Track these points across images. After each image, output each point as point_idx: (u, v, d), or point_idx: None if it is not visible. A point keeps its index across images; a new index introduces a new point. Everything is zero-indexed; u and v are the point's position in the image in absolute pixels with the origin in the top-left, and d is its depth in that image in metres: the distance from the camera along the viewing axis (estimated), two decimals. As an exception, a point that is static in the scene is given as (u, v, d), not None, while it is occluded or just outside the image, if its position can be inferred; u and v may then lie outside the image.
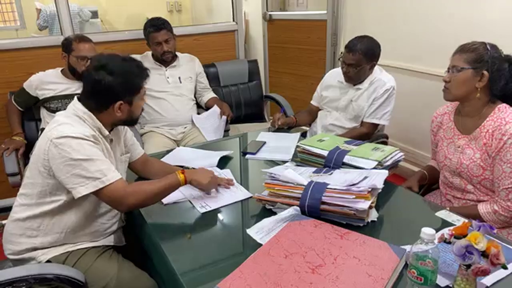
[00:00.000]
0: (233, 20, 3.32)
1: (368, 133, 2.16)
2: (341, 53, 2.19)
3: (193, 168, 1.65)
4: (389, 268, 1.01)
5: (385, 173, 1.39)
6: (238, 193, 1.51)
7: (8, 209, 1.46)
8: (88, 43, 2.27)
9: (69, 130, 1.28)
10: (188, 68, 2.73)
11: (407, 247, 1.05)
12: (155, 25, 2.57)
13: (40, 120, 2.37)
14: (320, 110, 2.35)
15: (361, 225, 1.24)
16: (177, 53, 2.69)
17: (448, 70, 1.52)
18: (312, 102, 2.40)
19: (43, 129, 2.31)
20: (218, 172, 1.66)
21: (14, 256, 1.39)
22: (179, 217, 1.41)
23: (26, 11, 4.56)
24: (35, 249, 1.37)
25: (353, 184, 1.27)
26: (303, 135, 2.13)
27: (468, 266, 0.90)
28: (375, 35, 2.15)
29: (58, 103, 2.29)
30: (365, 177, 1.32)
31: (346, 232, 1.16)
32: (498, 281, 1.00)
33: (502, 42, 1.51)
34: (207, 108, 2.73)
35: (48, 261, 1.36)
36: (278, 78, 3.90)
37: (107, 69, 1.32)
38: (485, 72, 1.44)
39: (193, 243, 1.27)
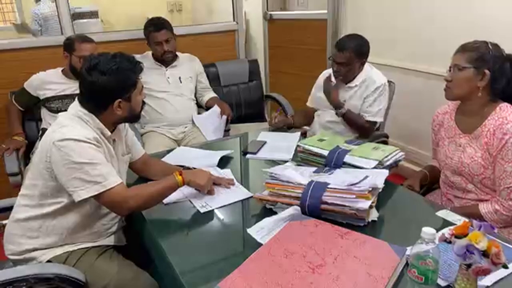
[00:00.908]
0: (234, 20, 3.32)
1: (368, 129, 2.16)
2: (329, 57, 2.19)
3: (194, 168, 1.65)
4: (389, 267, 1.01)
5: (385, 173, 1.40)
6: (238, 192, 1.51)
7: (9, 209, 1.46)
8: (90, 43, 2.27)
9: (72, 133, 1.28)
10: (188, 68, 2.73)
11: (408, 247, 1.05)
12: (156, 25, 2.57)
13: (40, 120, 2.37)
14: (316, 111, 2.35)
15: (362, 224, 1.24)
16: (177, 53, 2.69)
17: (450, 69, 1.52)
18: (308, 103, 2.40)
19: (43, 129, 2.31)
20: (219, 172, 1.66)
21: (14, 257, 1.39)
22: (180, 217, 1.41)
23: (26, 11, 4.56)
24: (35, 249, 1.38)
25: (354, 184, 1.26)
26: (304, 134, 2.13)
27: (469, 265, 0.90)
28: (375, 34, 2.16)
29: (58, 103, 2.29)
30: (366, 177, 1.32)
31: (346, 231, 1.16)
32: (498, 280, 1.00)
33: (504, 41, 1.50)
34: (208, 108, 2.73)
35: (49, 261, 1.36)
36: (278, 77, 3.90)
37: (99, 69, 1.32)
38: (487, 71, 1.44)
39: (193, 242, 1.27)
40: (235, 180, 1.58)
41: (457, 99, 1.57)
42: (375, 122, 2.20)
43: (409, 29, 2.83)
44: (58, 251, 1.38)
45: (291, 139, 1.97)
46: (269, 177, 1.40)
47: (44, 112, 2.34)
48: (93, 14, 4.49)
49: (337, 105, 2.15)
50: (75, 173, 1.26)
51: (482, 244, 0.88)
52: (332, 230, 1.17)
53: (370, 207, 1.25)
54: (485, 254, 0.88)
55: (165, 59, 2.62)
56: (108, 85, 1.32)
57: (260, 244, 1.15)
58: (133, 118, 1.47)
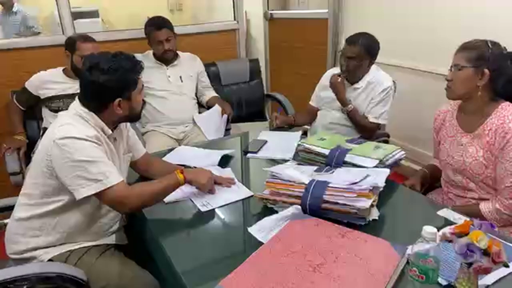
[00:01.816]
0: (234, 19, 3.31)
1: (371, 130, 2.16)
2: (339, 52, 2.19)
3: (195, 167, 1.65)
4: (390, 266, 1.01)
5: (386, 172, 1.39)
6: (239, 191, 1.51)
7: (10, 208, 1.46)
8: (92, 43, 2.27)
9: (72, 131, 1.28)
10: (189, 67, 2.73)
11: (409, 246, 1.05)
12: (156, 24, 2.57)
13: (41, 119, 2.37)
14: (319, 110, 2.35)
15: (363, 223, 1.24)
16: (178, 52, 2.69)
17: (451, 69, 1.52)
18: (310, 102, 2.40)
19: (44, 128, 2.31)
20: (220, 171, 1.66)
21: (16, 256, 1.40)
22: (181, 216, 1.41)
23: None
24: (37, 248, 1.38)
25: (355, 183, 1.27)
26: (305, 134, 2.13)
27: (470, 264, 0.90)
28: (377, 34, 2.15)
29: (59, 102, 2.29)
30: (367, 176, 1.32)
31: (347, 230, 1.16)
32: (499, 279, 1.00)
33: (505, 40, 1.50)
34: (209, 107, 2.73)
35: (50, 260, 1.36)
36: (279, 77, 3.90)
37: (99, 68, 1.32)
38: (486, 70, 1.43)
39: (194, 241, 1.27)
40: (235, 179, 1.59)
41: (458, 98, 1.57)
42: (378, 124, 2.20)
43: (409, 28, 2.83)
44: (59, 250, 1.38)
45: (292, 138, 1.97)
46: (270, 176, 1.40)
47: (45, 112, 2.34)
48: (94, 14, 4.50)
49: (343, 102, 2.15)
50: (76, 171, 1.26)
51: (483, 243, 0.88)
52: (333, 229, 1.17)
53: (371, 206, 1.25)
54: (486, 253, 0.88)
55: (166, 58, 2.62)
56: (108, 84, 1.32)
57: (261, 243, 1.15)
58: (134, 117, 1.47)
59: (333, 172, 1.43)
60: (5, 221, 1.47)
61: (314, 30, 3.52)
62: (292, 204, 1.29)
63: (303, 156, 1.63)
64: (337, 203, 1.24)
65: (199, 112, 2.71)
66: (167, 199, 1.44)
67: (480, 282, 0.94)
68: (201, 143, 2.13)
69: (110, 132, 1.40)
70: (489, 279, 0.98)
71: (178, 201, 1.46)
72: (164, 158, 1.78)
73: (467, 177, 1.55)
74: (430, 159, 1.88)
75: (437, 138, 1.72)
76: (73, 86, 2.29)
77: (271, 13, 3.82)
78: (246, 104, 3.11)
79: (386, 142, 2.18)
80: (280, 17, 3.83)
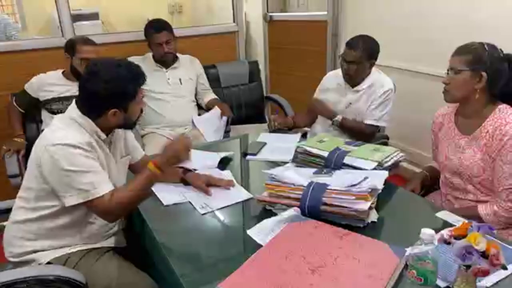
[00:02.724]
0: (234, 22, 3.32)
1: (368, 133, 2.16)
2: (339, 56, 2.19)
3: (195, 170, 1.65)
4: (389, 268, 1.01)
5: (385, 174, 1.40)
6: (238, 194, 1.51)
7: (9, 210, 1.46)
8: (92, 45, 2.27)
9: (64, 138, 1.27)
10: (188, 69, 2.73)
11: (407, 248, 1.05)
12: (156, 27, 2.57)
13: (41, 121, 2.38)
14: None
15: (361, 226, 1.24)
16: (177, 54, 2.70)
17: (448, 72, 1.52)
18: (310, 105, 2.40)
19: (44, 130, 2.31)
20: (219, 173, 1.66)
21: (14, 259, 1.39)
22: (180, 218, 1.41)
23: (27, 13, 4.57)
24: (35, 251, 1.38)
25: (353, 185, 1.27)
26: (304, 136, 2.13)
27: (468, 266, 0.90)
28: (375, 36, 2.15)
29: (59, 104, 2.30)
30: (365, 178, 1.32)
31: (346, 232, 1.16)
32: (498, 281, 1.00)
33: (503, 42, 1.50)
34: (208, 109, 2.73)
35: (49, 262, 1.36)
36: (278, 79, 3.90)
37: (100, 76, 1.31)
38: (483, 74, 1.44)
39: (193, 244, 1.27)
40: (235, 182, 1.59)
41: (455, 101, 1.57)
42: (378, 127, 2.20)
43: (408, 30, 2.83)
44: (58, 253, 1.38)
45: (291, 140, 1.97)
46: (269, 178, 1.40)
47: (44, 114, 2.34)
48: (94, 16, 4.50)
49: (330, 117, 2.14)
50: (64, 179, 1.26)
51: (481, 245, 0.88)
52: (332, 231, 1.17)
53: (370, 208, 1.25)
54: (484, 255, 0.89)
55: (165, 61, 2.62)
56: (105, 95, 1.31)
57: (260, 245, 1.15)
58: (128, 125, 1.46)
59: (332, 174, 1.43)
60: (4, 223, 1.47)
61: (313, 32, 3.53)
62: (291, 206, 1.30)
63: (302, 158, 1.64)
64: (336, 205, 1.24)
65: (199, 114, 2.72)
66: (166, 201, 1.44)
67: (479, 284, 0.95)
68: (200, 145, 2.13)
69: (105, 136, 1.39)
70: (488, 281, 0.99)
71: (177, 203, 1.46)
72: (164, 160, 1.78)
73: (465, 179, 1.55)
74: (429, 160, 1.88)
75: (435, 140, 1.72)
76: (73, 89, 2.29)
77: (270, 15, 3.83)
78: (245, 106, 3.11)
79: (386, 144, 2.18)
80: (279, 19, 3.84)
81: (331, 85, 2.28)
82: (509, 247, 1.13)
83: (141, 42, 2.70)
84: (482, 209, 1.47)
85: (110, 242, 1.48)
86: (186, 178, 1.57)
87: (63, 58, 2.30)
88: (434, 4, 2.65)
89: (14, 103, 2.35)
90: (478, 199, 1.54)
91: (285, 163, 1.69)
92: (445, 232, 0.97)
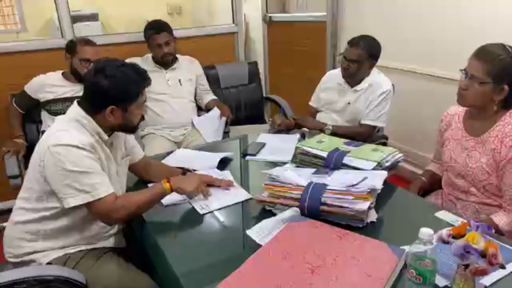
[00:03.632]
0: (233, 23, 3.33)
1: (365, 134, 2.16)
2: (339, 54, 2.19)
3: (194, 170, 1.65)
4: (388, 268, 1.01)
5: (384, 174, 1.40)
6: (238, 194, 1.51)
7: (9, 211, 1.46)
8: (93, 46, 2.28)
9: (67, 138, 1.28)
10: (188, 70, 2.74)
11: (406, 248, 1.06)
12: (156, 28, 2.58)
13: (41, 122, 2.38)
14: (318, 111, 2.36)
15: (361, 225, 1.24)
16: (177, 55, 2.70)
17: (465, 73, 1.43)
18: (310, 103, 2.41)
19: (44, 131, 2.31)
20: (218, 174, 1.66)
21: (14, 259, 1.40)
22: (179, 219, 1.42)
23: (27, 14, 4.57)
24: (35, 252, 1.38)
25: (353, 185, 1.27)
26: (303, 136, 2.13)
27: (467, 266, 0.90)
28: (375, 37, 2.16)
29: (59, 105, 2.30)
30: (365, 178, 1.32)
31: (345, 232, 1.16)
32: (497, 281, 1.00)
33: (508, 41, 1.46)
34: (208, 110, 2.74)
35: (49, 263, 1.36)
36: (278, 79, 3.91)
37: (104, 72, 1.32)
38: (506, 87, 1.38)
39: (193, 244, 1.27)
40: (234, 182, 1.59)
41: (469, 106, 1.52)
42: (375, 127, 2.20)
43: (408, 31, 2.84)
44: (58, 254, 1.38)
45: (291, 140, 1.97)
46: (269, 178, 1.40)
47: (44, 115, 2.34)
48: (93, 17, 4.50)
49: (321, 128, 2.13)
50: (66, 180, 1.26)
51: (480, 245, 0.88)
52: (331, 231, 1.17)
53: (369, 208, 1.26)
54: (482, 254, 0.89)
55: (165, 62, 2.63)
56: (106, 90, 1.32)
57: (259, 246, 1.15)
58: (129, 129, 1.46)
59: (331, 174, 1.43)
60: (4, 224, 1.47)
61: (312, 33, 3.54)
62: (290, 206, 1.30)
63: (301, 159, 1.64)
64: (335, 206, 1.24)
65: (198, 115, 2.72)
66: (166, 202, 1.44)
67: (478, 284, 0.95)
68: (200, 146, 2.14)
69: (107, 137, 1.40)
70: (486, 280, 0.99)
71: (177, 204, 1.46)
72: (163, 161, 1.79)
73: (469, 181, 1.53)
74: (428, 160, 1.88)
75: (441, 139, 1.69)
76: (72, 90, 2.30)
77: (270, 16, 3.84)
78: (245, 106, 3.12)
79: (385, 144, 2.19)
80: (279, 20, 3.85)
81: (331, 84, 2.29)
82: (508, 246, 1.13)
83: (140, 43, 2.70)
84: (499, 220, 1.40)
85: (110, 243, 1.48)
86: None
87: (63, 59, 2.30)
88: (433, 5, 2.65)
89: (14, 104, 2.36)
90: (481, 201, 1.53)
91: (285, 163, 1.70)
92: (444, 232, 0.97)
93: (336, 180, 1.35)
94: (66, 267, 1.32)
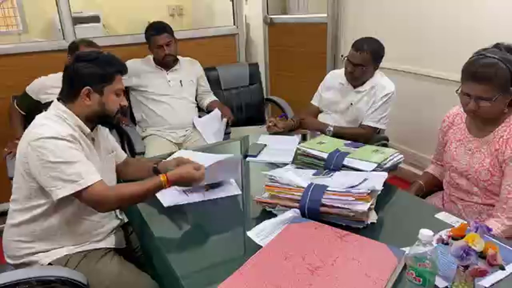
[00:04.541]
0: (234, 24, 3.34)
1: (366, 135, 2.16)
2: (342, 56, 2.20)
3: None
4: (388, 269, 1.01)
5: (384, 175, 1.40)
6: (230, 188, 1.55)
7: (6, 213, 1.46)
8: (95, 47, 2.28)
9: (46, 131, 1.28)
10: (189, 71, 2.75)
11: (406, 249, 1.06)
12: (157, 29, 2.59)
13: (42, 124, 2.38)
14: (320, 110, 2.36)
15: (361, 227, 1.25)
16: (178, 56, 2.71)
17: (469, 97, 1.41)
18: (312, 102, 2.40)
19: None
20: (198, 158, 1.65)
21: (14, 261, 1.40)
22: (180, 219, 1.42)
23: (28, 15, 4.58)
24: (34, 253, 1.38)
25: (353, 186, 1.27)
26: (304, 137, 2.14)
27: (466, 267, 0.90)
28: (376, 38, 2.16)
29: (60, 107, 2.30)
30: (365, 179, 1.33)
31: (345, 234, 1.16)
32: (496, 282, 1.00)
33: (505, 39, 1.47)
34: (209, 111, 2.74)
35: (50, 264, 1.36)
36: (278, 81, 3.91)
37: (79, 58, 1.38)
38: (511, 89, 1.38)
39: (193, 245, 1.27)
40: (231, 180, 1.59)
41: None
42: (376, 129, 2.20)
43: (409, 33, 2.84)
44: (59, 254, 1.38)
45: (291, 142, 1.98)
46: (269, 179, 1.40)
47: (45, 116, 2.34)
48: (95, 19, 4.51)
49: (323, 130, 2.14)
50: (51, 172, 1.25)
51: (479, 246, 0.88)
52: (331, 232, 1.18)
53: (369, 209, 1.26)
54: (482, 255, 0.89)
55: (166, 63, 2.63)
56: (81, 71, 1.37)
57: (259, 247, 1.15)
58: (107, 118, 1.43)
59: (331, 175, 1.43)
60: (3, 225, 1.47)
61: (313, 34, 3.54)
62: (290, 207, 1.30)
63: (302, 160, 1.64)
64: (335, 207, 1.25)
65: (199, 116, 2.73)
66: (166, 203, 1.45)
67: (477, 285, 0.95)
68: (201, 147, 2.14)
69: (89, 130, 1.40)
70: (486, 282, 0.99)
71: (178, 204, 1.47)
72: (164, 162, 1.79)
73: (472, 182, 1.53)
74: (429, 162, 1.88)
75: (443, 140, 1.68)
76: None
77: (270, 18, 3.84)
78: (246, 108, 3.13)
79: (385, 145, 2.19)
80: (279, 22, 3.85)
81: (334, 84, 2.29)
82: (507, 247, 1.13)
83: (141, 44, 2.71)
84: (493, 226, 1.37)
85: (110, 243, 1.48)
86: (159, 169, 1.57)
87: (64, 61, 2.29)
88: (433, 5, 2.66)
89: (15, 105, 2.36)
90: (483, 202, 1.52)
91: (285, 164, 1.70)
92: (443, 233, 0.97)
93: (337, 181, 1.35)
94: (67, 268, 1.32)
